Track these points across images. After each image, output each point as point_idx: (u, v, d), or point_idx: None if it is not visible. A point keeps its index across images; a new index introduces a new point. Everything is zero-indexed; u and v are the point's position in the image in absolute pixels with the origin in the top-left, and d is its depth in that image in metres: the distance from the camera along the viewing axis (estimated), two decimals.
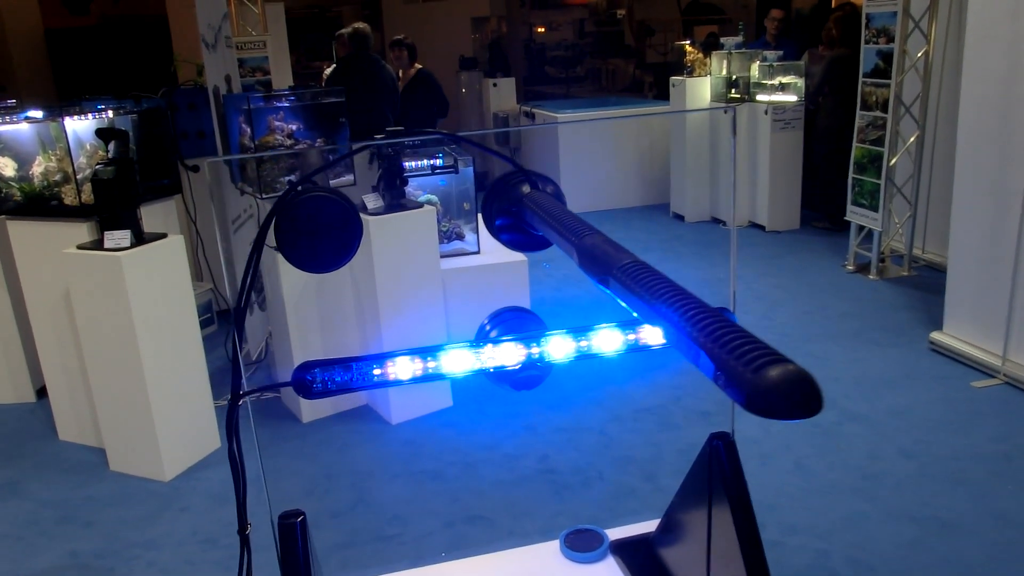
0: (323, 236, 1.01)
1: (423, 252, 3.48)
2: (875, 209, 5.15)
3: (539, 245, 1.14)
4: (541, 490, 2.97)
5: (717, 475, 1.03)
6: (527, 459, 3.20)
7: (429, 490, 3.00)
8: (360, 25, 4.90)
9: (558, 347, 0.86)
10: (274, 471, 3.19)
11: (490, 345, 0.89)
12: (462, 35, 12.51)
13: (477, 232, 4.28)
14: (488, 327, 1.13)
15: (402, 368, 0.93)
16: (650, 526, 1.34)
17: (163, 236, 2.96)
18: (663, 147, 7.35)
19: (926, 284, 5.07)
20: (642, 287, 0.66)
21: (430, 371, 0.92)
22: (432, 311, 3.56)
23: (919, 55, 4.96)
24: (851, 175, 5.32)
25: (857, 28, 5.28)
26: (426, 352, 0.93)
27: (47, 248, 3.14)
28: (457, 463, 3.19)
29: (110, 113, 3.10)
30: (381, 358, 0.92)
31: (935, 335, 4.06)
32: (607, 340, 0.87)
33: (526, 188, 1.10)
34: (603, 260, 0.75)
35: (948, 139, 5.14)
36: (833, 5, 9.45)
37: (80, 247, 2.92)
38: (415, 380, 0.92)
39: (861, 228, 5.36)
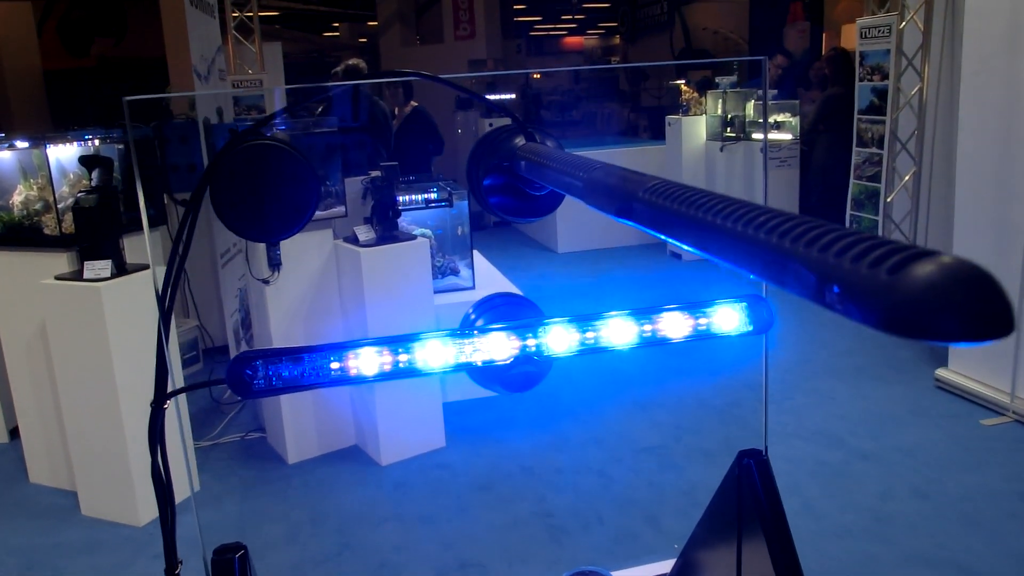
0: (271, 196, 0.89)
1: (416, 285, 3.39)
2: None
3: (535, 210, 0.99)
4: (538, 534, 2.82)
5: (748, 498, 0.91)
6: (523, 502, 3.06)
7: (420, 535, 2.85)
8: (353, 61, 4.90)
9: (559, 339, 0.74)
10: (257, 515, 3.04)
11: (476, 335, 0.77)
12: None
13: (472, 267, 4.21)
14: (473, 316, 0.99)
15: (367, 362, 0.79)
16: (662, 567, 1.21)
17: (146, 267, 2.87)
18: None
19: None
20: (684, 203, 0.50)
21: (402, 366, 0.79)
22: None
23: (913, 92, 4.97)
24: (849, 211, 5.28)
25: (848, 67, 5.31)
26: (397, 343, 0.80)
27: (24, 279, 3.03)
28: (450, 506, 3.04)
29: (96, 142, 3.04)
30: (340, 349, 0.79)
31: (941, 372, 3.97)
32: (618, 331, 0.76)
33: (520, 140, 0.94)
34: (622, 187, 0.60)
35: (944, 175, 5.12)
36: (823, 52, 9.59)
37: (58, 278, 2.82)
38: (383, 377, 0.80)
39: None
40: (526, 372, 0.88)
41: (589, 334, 0.76)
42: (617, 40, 18.32)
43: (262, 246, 3.12)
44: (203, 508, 3.06)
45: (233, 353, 3.90)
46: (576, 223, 7.31)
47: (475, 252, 4.60)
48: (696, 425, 3.67)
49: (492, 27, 11.79)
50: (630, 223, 0.57)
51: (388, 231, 3.35)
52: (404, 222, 3.64)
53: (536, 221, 1.02)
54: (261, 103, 5.33)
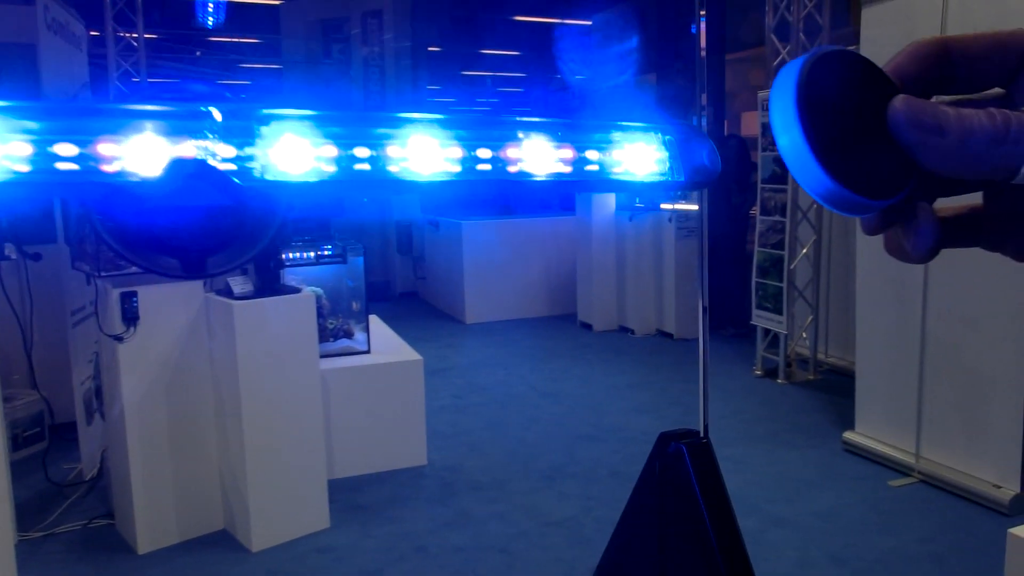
0: None
1: (299, 345, 3.06)
2: (779, 312, 5.10)
3: None
4: None
5: (681, 492, 0.64)
6: None
7: None
8: None
9: (289, 148, 0.34)
10: None
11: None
12: None
13: (367, 330, 3.91)
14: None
15: None
16: None
17: None
18: (569, 257, 7.29)
19: (833, 387, 4.99)
20: None
21: None
22: (308, 418, 3.09)
23: None
24: (754, 279, 5.31)
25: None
26: None
27: None
28: None
29: None
30: None
31: (848, 435, 3.91)
32: (421, 153, 0.37)
33: None
34: None
35: (843, 243, 5.24)
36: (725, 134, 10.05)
37: None
38: None
39: (767, 333, 5.30)
40: (216, 229, 0.44)
41: (361, 152, 0.36)
42: None
43: (115, 297, 2.74)
44: None
45: (82, 430, 3.40)
46: (485, 294, 7.12)
47: (375, 319, 4.32)
48: (608, 495, 3.42)
49: (403, 96, 11.81)
50: None
51: (268, 283, 3.04)
52: (295, 280, 3.34)
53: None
54: None
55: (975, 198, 0.43)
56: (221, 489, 3.10)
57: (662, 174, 0.43)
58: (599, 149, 0.42)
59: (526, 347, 6.25)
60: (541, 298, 7.38)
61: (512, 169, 0.40)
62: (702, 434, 0.68)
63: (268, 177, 0.36)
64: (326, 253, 3.77)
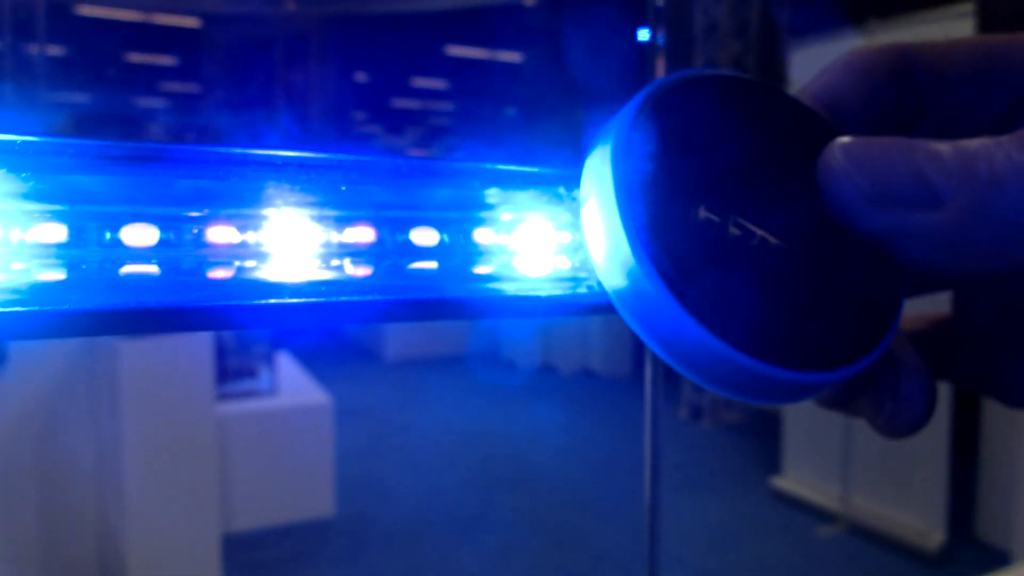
0: None
1: (193, 388, 2.78)
2: None
3: None
4: None
5: None
6: None
7: None
8: None
9: None
10: None
11: None
12: None
13: (273, 369, 3.62)
14: None
15: None
16: None
17: None
18: None
19: (760, 430, 4.97)
20: None
21: None
22: (201, 467, 2.80)
23: None
24: None
25: None
26: None
27: None
28: None
29: None
30: None
31: (775, 480, 3.85)
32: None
33: None
34: None
35: None
36: None
37: None
38: None
39: None
40: None
41: None
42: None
43: None
44: None
45: None
46: (406, 330, 6.88)
47: (285, 356, 4.04)
48: (529, 549, 3.23)
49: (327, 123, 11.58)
50: None
51: None
52: None
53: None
54: None
55: (934, 304, 0.26)
56: (97, 552, 2.76)
57: (573, 280, 0.21)
58: (440, 226, 0.18)
59: (446, 386, 6.04)
60: (464, 335, 7.19)
61: (219, 274, 0.16)
62: None
63: None
64: None
